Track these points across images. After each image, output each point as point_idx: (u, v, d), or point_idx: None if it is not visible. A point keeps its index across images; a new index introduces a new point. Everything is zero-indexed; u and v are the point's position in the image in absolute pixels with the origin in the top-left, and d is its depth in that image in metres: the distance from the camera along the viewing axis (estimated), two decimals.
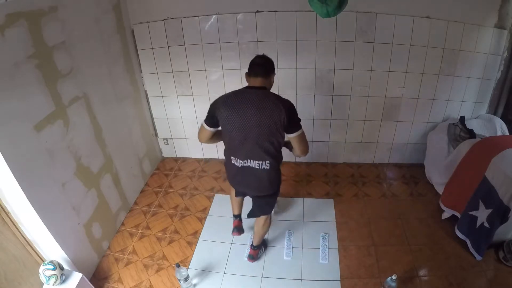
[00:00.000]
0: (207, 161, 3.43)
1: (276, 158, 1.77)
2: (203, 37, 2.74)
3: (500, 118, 2.73)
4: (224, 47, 2.77)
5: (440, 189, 2.65)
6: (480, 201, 2.10)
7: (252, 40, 2.70)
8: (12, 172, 1.62)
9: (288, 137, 1.71)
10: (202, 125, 1.82)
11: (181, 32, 2.74)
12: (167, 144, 3.43)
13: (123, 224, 2.70)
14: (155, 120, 3.30)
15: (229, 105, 1.66)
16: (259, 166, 1.73)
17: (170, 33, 2.76)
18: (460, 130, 2.55)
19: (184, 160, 3.47)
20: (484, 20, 2.49)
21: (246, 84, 2.85)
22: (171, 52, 2.85)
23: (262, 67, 1.70)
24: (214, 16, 2.64)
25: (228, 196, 2.92)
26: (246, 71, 1.74)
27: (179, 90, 3.06)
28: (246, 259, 2.28)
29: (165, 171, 3.33)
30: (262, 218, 2.07)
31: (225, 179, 3.14)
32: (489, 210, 2.03)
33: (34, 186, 1.77)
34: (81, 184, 2.18)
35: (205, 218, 2.70)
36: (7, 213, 1.79)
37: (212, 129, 1.79)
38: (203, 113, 3.08)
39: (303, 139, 1.73)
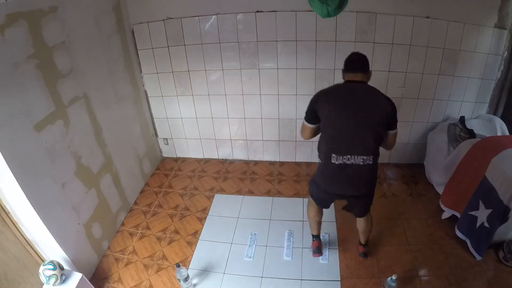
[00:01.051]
0: (207, 161, 3.44)
1: (378, 154, 1.73)
2: (203, 37, 2.74)
3: (500, 118, 2.73)
4: (224, 47, 2.77)
5: (440, 189, 2.65)
6: (480, 201, 2.10)
7: (252, 40, 2.70)
8: (12, 172, 1.62)
9: (387, 133, 1.73)
10: (303, 124, 1.84)
11: (181, 32, 2.74)
12: (167, 144, 3.43)
13: (123, 224, 2.70)
14: (155, 120, 3.30)
15: (334, 99, 1.66)
16: (363, 161, 1.66)
17: (170, 33, 2.76)
18: (460, 130, 2.55)
19: (184, 160, 3.47)
20: (484, 20, 2.49)
21: (246, 84, 2.92)
22: (171, 52, 2.85)
23: (361, 63, 1.72)
24: (214, 16, 2.65)
25: (228, 196, 2.93)
26: (344, 67, 1.77)
27: (179, 90, 3.06)
28: (361, 257, 2.23)
29: (165, 171, 3.33)
30: (363, 218, 2.03)
31: (225, 179, 3.15)
32: (489, 210, 2.03)
33: (34, 186, 1.76)
34: (81, 184, 2.18)
35: (205, 218, 2.70)
36: (7, 213, 1.79)
37: (314, 126, 1.79)
38: (203, 113, 3.16)
39: (396, 136, 1.78)
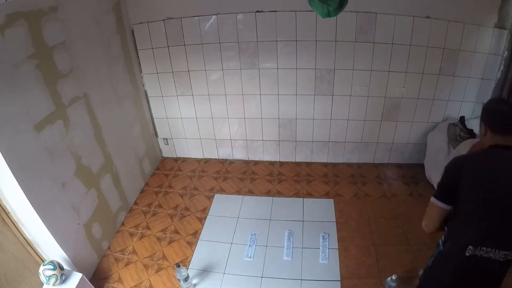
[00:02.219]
0: (207, 161, 3.44)
1: None
2: (203, 37, 2.74)
3: None
4: (224, 47, 2.77)
5: None
6: None
7: (252, 40, 2.70)
8: (12, 172, 1.62)
9: None
10: (432, 205, 1.34)
11: (181, 32, 2.74)
12: (167, 144, 3.43)
13: (123, 224, 2.70)
14: (155, 120, 3.30)
15: (484, 169, 1.22)
16: (504, 258, 1.20)
17: (170, 33, 2.77)
18: (460, 130, 2.55)
19: (184, 160, 3.47)
20: (484, 20, 2.49)
21: (246, 84, 2.92)
22: (171, 52, 2.85)
23: (509, 119, 1.26)
24: (214, 16, 2.65)
25: (228, 196, 2.93)
26: (486, 122, 1.29)
27: (179, 90, 3.06)
28: None
29: (165, 171, 3.33)
30: None
31: (225, 179, 3.15)
32: None
33: (34, 186, 1.77)
34: (81, 184, 2.18)
35: (205, 218, 2.70)
36: (7, 213, 1.79)
37: (449, 207, 1.30)
38: (203, 113, 3.17)
39: None
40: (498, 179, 1.19)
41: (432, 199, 1.34)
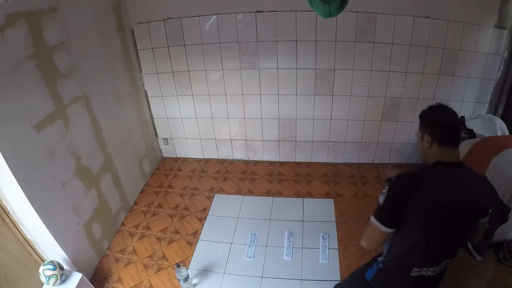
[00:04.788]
0: (207, 161, 3.44)
1: None
2: (203, 37, 2.74)
3: (500, 118, 2.73)
4: (224, 47, 2.77)
5: None
6: None
7: (252, 40, 2.70)
8: (12, 172, 1.62)
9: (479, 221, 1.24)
10: (373, 226, 1.18)
11: (181, 32, 2.74)
12: (167, 144, 3.43)
13: (123, 224, 2.70)
14: (155, 120, 3.30)
15: (431, 196, 1.11)
16: (445, 265, 1.25)
17: (170, 33, 2.77)
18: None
19: (184, 160, 3.47)
20: (484, 20, 2.49)
21: (246, 84, 2.92)
22: (171, 52, 2.85)
23: (458, 130, 1.19)
24: (214, 16, 2.65)
25: (228, 196, 2.93)
26: (429, 133, 1.19)
27: (179, 90, 3.06)
28: None
29: (165, 171, 3.33)
30: None
31: (225, 179, 3.15)
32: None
33: (34, 186, 1.76)
34: (81, 184, 2.18)
35: (205, 218, 2.70)
36: (7, 213, 1.79)
37: (391, 230, 1.17)
38: (203, 113, 3.17)
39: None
40: (449, 194, 1.12)
41: (373, 220, 1.18)
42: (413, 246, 1.18)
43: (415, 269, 1.21)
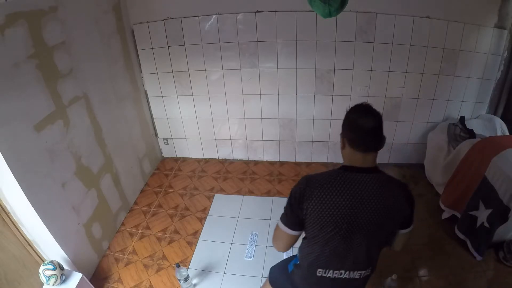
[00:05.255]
0: (207, 161, 3.44)
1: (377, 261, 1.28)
2: (203, 37, 2.74)
3: (500, 118, 2.73)
4: (224, 47, 2.77)
5: (440, 189, 2.65)
6: (480, 201, 2.10)
7: (252, 40, 2.70)
8: (12, 172, 1.62)
9: (398, 232, 1.25)
10: (279, 228, 1.23)
11: (181, 32, 2.74)
12: (167, 144, 3.43)
13: (123, 224, 2.70)
14: (155, 120, 3.30)
15: (329, 202, 1.09)
16: (360, 275, 1.22)
17: (170, 33, 2.76)
18: (460, 130, 2.55)
19: (184, 160, 3.47)
20: (484, 20, 2.49)
21: (246, 84, 2.92)
22: (171, 52, 2.85)
23: (377, 135, 1.12)
24: (214, 16, 2.65)
25: (228, 196, 2.93)
26: (343, 134, 1.17)
27: (179, 90, 3.06)
28: None
29: (165, 171, 3.33)
30: None
31: (225, 179, 3.15)
32: (489, 210, 2.03)
33: (34, 186, 1.76)
34: (81, 184, 2.18)
35: (205, 218, 2.70)
36: (7, 213, 1.79)
37: (297, 233, 1.21)
38: (203, 113, 3.17)
39: (411, 232, 1.26)
40: (350, 201, 1.09)
41: (279, 222, 1.21)
42: (313, 248, 1.19)
43: (319, 269, 1.22)
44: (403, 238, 1.27)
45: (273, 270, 1.57)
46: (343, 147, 1.18)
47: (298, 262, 1.35)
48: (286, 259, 1.54)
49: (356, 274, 1.22)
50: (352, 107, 1.16)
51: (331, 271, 1.21)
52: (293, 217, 1.17)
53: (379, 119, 1.13)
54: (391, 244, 1.30)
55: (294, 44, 2.67)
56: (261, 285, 1.65)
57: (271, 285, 1.53)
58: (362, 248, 1.15)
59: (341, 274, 1.21)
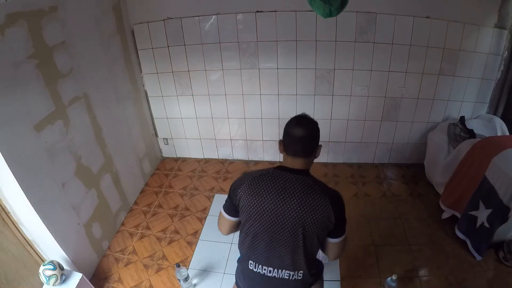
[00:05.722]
0: (207, 161, 3.44)
1: (312, 266, 1.31)
2: (203, 37, 2.74)
3: (500, 118, 2.73)
4: (224, 47, 2.77)
5: (440, 189, 2.65)
6: (480, 201, 2.10)
7: (252, 40, 2.70)
8: (12, 172, 1.62)
9: (326, 240, 1.26)
10: (221, 214, 1.35)
11: (181, 32, 2.74)
12: (167, 144, 3.43)
13: (123, 224, 2.70)
14: (155, 120, 3.30)
15: (256, 192, 1.20)
16: (289, 277, 1.27)
17: (170, 33, 2.76)
18: (460, 130, 2.55)
19: (184, 160, 3.47)
20: (484, 20, 2.49)
21: (246, 84, 2.92)
22: (171, 52, 2.85)
23: (305, 143, 1.23)
24: (214, 16, 2.65)
25: None
26: (281, 138, 1.31)
27: (179, 90, 3.06)
28: None
29: (165, 171, 3.33)
30: None
31: (225, 179, 3.15)
32: (489, 210, 2.03)
33: (34, 186, 1.76)
34: (81, 184, 2.18)
35: (205, 218, 2.70)
36: (7, 213, 1.79)
37: (234, 219, 1.31)
38: (203, 113, 3.16)
39: (344, 244, 1.28)
40: (279, 202, 1.17)
41: (221, 209, 1.34)
42: (243, 238, 1.30)
43: (251, 262, 1.30)
44: (334, 248, 1.27)
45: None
46: (280, 151, 1.32)
47: (240, 257, 1.42)
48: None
49: (284, 274, 1.27)
50: (293, 117, 1.28)
51: (260, 265, 1.28)
52: (230, 204, 1.29)
53: (310, 129, 1.23)
54: (323, 251, 1.32)
55: (294, 44, 2.67)
56: None
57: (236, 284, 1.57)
58: (286, 246, 1.21)
59: (270, 271, 1.27)
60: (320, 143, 1.27)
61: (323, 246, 1.29)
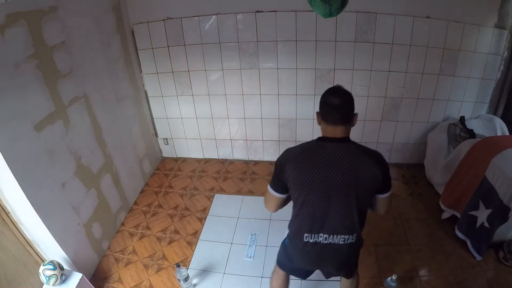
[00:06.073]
0: (207, 161, 3.44)
1: (363, 226, 1.41)
2: (203, 37, 2.74)
3: (500, 118, 2.73)
4: (224, 47, 2.77)
5: (440, 189, 2.65)
6: (480, 201, 2.10)
7: (252, 40, 2.70)
8: (12, 172, 1.62)
9: (376, 197, 1.35)
10: (268, 191, 1.40)
11: (181, 32, 2.74)
12: (167, 144, 3.43)
13: (123, 224, 2.70)
14: (155, 120, 3.30)
15: (305, 165, 1.25)
16: (344, 241, 1.34)
17: (170, 33, 2.76)
18: (460, 130, 2.55)
19: (184, 160, 3.47)
20: (484, 20, 2.49)
21: (246, 84, 2.92)
22: (171, 52, 2.85)
23: (343, 111, 1.28)
24: (214, 16, 2.65)
25: (228, 196, 2.93)
26: (318, 111, 1.34)
27: (179, 90, 3.06)
28: None
29: (165, 171, 3.33)
30: (352, 281, 1.69)
31: (225, 179, 3.15)
32: (489, 210, 2.03)
33: (34, 186, 1.76)
34: (81, 184, 2.18)
35: (205, 218, 2.70)
36: (7, 213, 1.79)
37: (283, 196, 1.37)
38: (203, 113, 3.16)
39: (391, 199, 1.38)
40: (329, 172, 1.24)
41: (268, 187, 1.40)
42: (297, 213, 1.36)
43: (306, 234, 1.36)
44: (384, 202, 1.37)
45: (278, 253, 1.68)
46: (319, 123, 1.36)
47: (288, 232, 1.49)
48: (283, 241, 1.63)
49: (340, 239, 1.34)
50: (326, 89, 1.35)
51: (316, 235, 1.35)
52: (277, 182, 1.35)
53: (346, 98, 1.29)
54: (374, 208, 1.41)
55: (294, 44, 2.67)
56: (270, 276, 1.81)
57: (278, 267, 1.67)
58: (341, 211, 1.29)
59: (325, 239, 1.34)
60: (356, 111, 1.32)
61: (372, 205, 1.39)
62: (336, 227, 1.32)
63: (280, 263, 1.64)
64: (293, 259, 1.51)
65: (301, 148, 1.30)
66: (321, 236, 1.34)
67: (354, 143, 1.32)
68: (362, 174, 1.24)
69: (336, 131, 1.30)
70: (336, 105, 1.27)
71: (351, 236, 1.35)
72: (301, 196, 1.30)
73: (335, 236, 1.34)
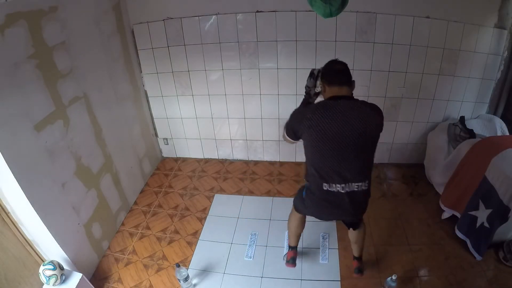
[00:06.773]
0: (207, 161, 3.44)
1: (371, 174, 1.63)
2: (203, 37, 2.74)
3: (500, 118, 2.73)
4: (224, 47, 2.77)
5: (440, 189, 2.65)
6: (480, 201, 2.10)
7: (252, 40, 2.70)
8: (12, 172, 1.62)
9: None
10: (284, 134, 1.71)
11: (181, 32, 2.74)
12: (167, 144, 3.43)
13: (123, 224, 2.70)
14: (155, 120, 3.30)
15: (321, 120, 1.46)
16: (358, 187, 1.57)
17: (170, 33, 2.76)
18: (460, 130, 2.55)
19: (184, 160, 3.47)
20: (484, 20, 2.49)
21: (246, 84, 2.91)
22: (171, 52, 2.85)
23: (346, 74, 1.56)
24: (214, 16, 2.65)
25: (228, 196, 2.93)
26: (324, 80, 1.60)
27: (179, 90, 3.06)
28: (356, 274, 2.08)
29: (165, 171, 3.33)
30: (359, 231, 1.95)
31: (225, 179, 3.15)
32: (489, 210, 2.03)
33: (34, 186, 1.76)
34: (81, 184, 2.18)
35: (205, 218, 2.70)
36: (7, 213, 1.79)
37: (296, 140, 1.66)
38: (203, 113, 3.17)
39: None
40: (340, 124, 1.44)
41: (284, 131, 1.68)
42: (314, 166, 1.58)
43: (325, 184, 1.57)
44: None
45: (294, 199, 1.95)
46: (324, 91, 1.61)
47: (307, 184, 1.72)
48: (301, 188, 1.88)
49: (354, 187, 1.55)
50: (327, 63, 1.64)
51: (334, 184, 1.55)
52: (293, 134, 1.60)
53: (345, 65, 1.59)
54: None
55: (294, 44, 2.67)
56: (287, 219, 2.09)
57: (295, 210, 1.94)
58: (355, 158, 1.50)
59: (342, 188, 1.55)
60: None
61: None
62: (351, 176, 1.52)
63: (297, 207, 1.90)
64: (310, 211, 1.78)
65: (314, 106, 1.54)
66: (338, 186, 1.54)
67: (357, 99, 1.54)
68: (370, 124, 1.47)
69: (342, 91, 1.53)
70: (341, 69, 1.56)
71: (363, 183, 1.57)
72: (317, 150, 1.50)
73: (350, 184, 1.54)
